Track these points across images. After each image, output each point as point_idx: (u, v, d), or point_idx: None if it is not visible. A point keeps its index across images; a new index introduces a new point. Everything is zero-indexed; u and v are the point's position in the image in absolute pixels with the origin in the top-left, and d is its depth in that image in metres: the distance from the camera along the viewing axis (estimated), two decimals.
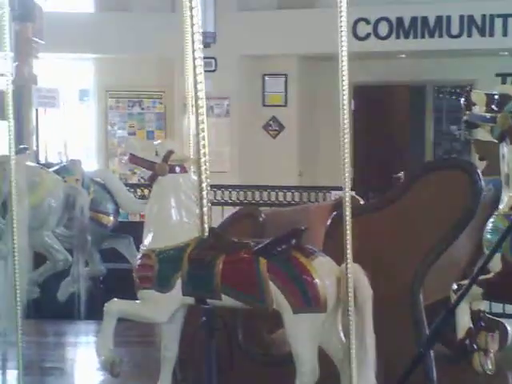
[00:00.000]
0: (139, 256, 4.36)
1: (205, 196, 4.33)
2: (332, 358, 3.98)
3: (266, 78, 12.97)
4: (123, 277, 5.50)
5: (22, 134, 8.77)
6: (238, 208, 5.94)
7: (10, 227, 4.77)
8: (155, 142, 4.65)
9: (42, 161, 9.22)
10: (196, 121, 4.31)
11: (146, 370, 5.09)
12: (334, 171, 9.49)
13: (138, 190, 8.94)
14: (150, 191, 4.58)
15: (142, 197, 8.45)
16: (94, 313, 5.92)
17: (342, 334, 3.96)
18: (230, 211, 6.29)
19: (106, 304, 4.30)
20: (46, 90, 10.37)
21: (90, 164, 12.12)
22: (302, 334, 3.89)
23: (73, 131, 13.57)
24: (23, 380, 4.55)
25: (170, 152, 4.41)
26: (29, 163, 6.30)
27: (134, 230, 6.59)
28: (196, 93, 4.29)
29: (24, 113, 9.38)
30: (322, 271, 3.92)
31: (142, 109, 13.25)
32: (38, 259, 5.70)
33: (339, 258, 3.95)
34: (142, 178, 9.36)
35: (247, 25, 12.30)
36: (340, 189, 4.10)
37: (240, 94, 12.62)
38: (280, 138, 12.97)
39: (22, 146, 6.84)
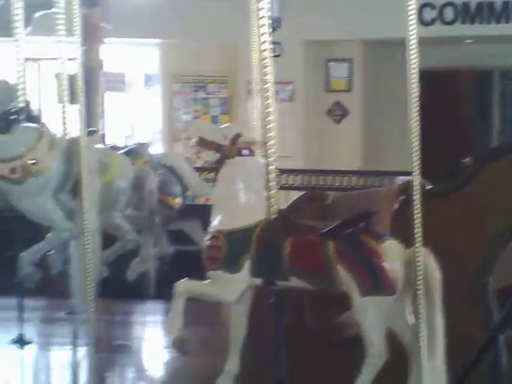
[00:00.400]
0: (208, 237, 4.42)
1: (272, 179, 4.38)
2: (401, 340, 4.00)
3: (330, 63, 12.94)
4: (190, 258, 5.58)
5: (91, 118, 8.91)
6: (302, 192, 5.95)
7: (81, 208, 4.88)
8: (223, 126, 4.71)
9: (109, 144, 9.34)
10: (263, 105, 4.35)
11: (214, 349, 5.16)
12: (399, 157, 9.42)
13: (203, 174, 9.02)
14: (215, 174, 4.63)
15: (207, 180, 8.52)
16: (162, 293, 6.03)
17: (410, 317, 3.98)
18: (294, 195, 6.32)
19: (175, 284, 4.37)
20: (112, 75, 10.51)
21: (156, 148, 12.25)
22: (371, 317, 3.92)
23: (139, 116, 13.75)
24: (93, 356, 4.66)
25: (238, 135, 4.46)
26: (98, 145, 6.41)
27: (200, 212, 6.66)
28: (263, 77, 4.33)
29: (92, 97, 9.51)
30: (391, 254, 3.94)
31: (207, 94, 13.34)
32: (108, 240, 5.81)
33: (406, 242, 3.97)
34: (206, 161, 9.42)
35: (311, 10, 12.27)
36: (405, 174, 4.10)
37: (304, 80, 12.62)
38: (344, 123, 12.95)
39: (91, 129, 6.93)
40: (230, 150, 4.45)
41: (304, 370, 4.57)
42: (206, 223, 5.18)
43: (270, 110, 4.35)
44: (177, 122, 13.45)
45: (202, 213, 6.33)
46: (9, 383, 5.12)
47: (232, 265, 4.23)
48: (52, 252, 5.78)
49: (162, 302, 6.35)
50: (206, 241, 4.42)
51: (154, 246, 6.27)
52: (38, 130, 5.53)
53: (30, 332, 5.88)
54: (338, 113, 12.94)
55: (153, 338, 6.16)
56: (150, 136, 13.26)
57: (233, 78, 12.86)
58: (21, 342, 5.77)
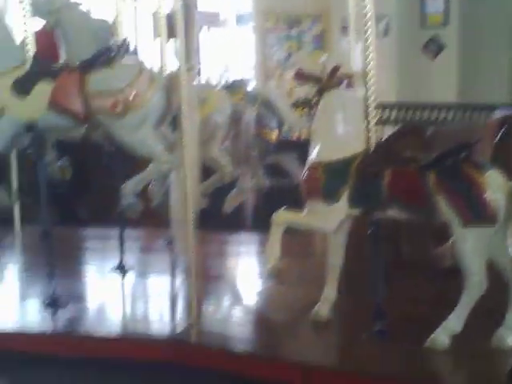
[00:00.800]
0: (306, 168, 4.46)
1: (371, 111, 4.38)
2: (501, 271, 3.99)
3: None
4: (285, 191, 5.65)
5: (187, 54, 8.97)
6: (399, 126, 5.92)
7: (180, 141, 4.97)
8: (322, 58, 4.70)
9: (205, 80, 9.42)
10: (362, 39, 4.33)
11: (310, 279, 5.24)
12: (496, 90, 9.18)
13: (297, 109, 9.01)
14: (312, 108, 4.65)
15: (301, 115, 8.56)
16: (258, 224, 6.12)
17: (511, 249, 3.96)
18: (390, 130, 6.29)
19: (274, 214, 4.43)
20: (207, 13, 10.53)
21: (251, 85, 12.26)
22: (471, 247, 3.91)
23: (233, 53, 13.75)
24: (190, 285, 4.78)
25: (337, 67, 4.45)
26: (196, 81, 6.49)
27: (296, 147, 6.70)
28: (361, 11, 4.31)
29: (187, 34, 9.56)
30: (493, 185, 3.90)
31: (300, 30, 13.23)
32: (206, 172, 5.89)
33: (508, 175, 3.93)
34: (299, 98, 9.39)
35: None
36: (504, 107, 4.03)
37: (399, 14, 12.38)
38: (439, 58, 12.69)
39: (188, 65, 7.00)
40: (329, 81, 4.46)
41: (401, 299, 4.61)
42: (301, 157, 5.23)
43: (369, 42, 4.33)
44: (270, 59, 13.42)
45: (298, 147, 6.38)
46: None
47: (331, 195, 4.27)
48: (152, 183, 5.92)
49: (257, 233, 6.45)
50: (304, 172, 4.46)
51: (251, 179, 6.36)
52: (137, 66, 5.61)
53: (130, 260, 6.05)
54: (434, 48, 12.68)
55: (248, 268, 6.24)
56: (244, 73, 13.28)
57: (326, 14, 12.70)
58: (121, 270, 5.95)
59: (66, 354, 4.69)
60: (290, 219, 4.43)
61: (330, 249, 4.52)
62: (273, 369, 4.21)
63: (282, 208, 4.45)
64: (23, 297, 5.60)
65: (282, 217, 4.42)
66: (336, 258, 4.50)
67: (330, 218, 4.31)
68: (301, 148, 6.16)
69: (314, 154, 4.45)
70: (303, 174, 4.48)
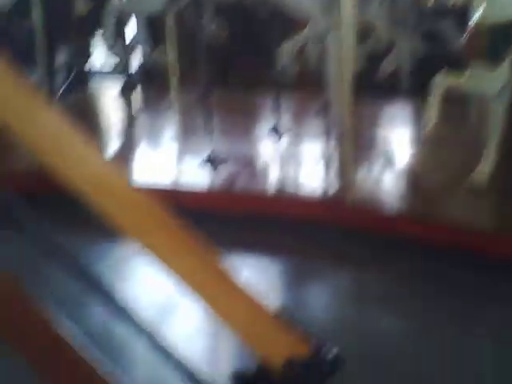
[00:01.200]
0: (469, 31, 4.33)
1: None
2: None
3: None
4: (442, 57, 5.52)
5: None
6: None
7: (338, 2, 4.89)
8: None
9: None
10: None
11: (467, 144, 5.15)
12: None
13: None
14: None
15: None
16: (413, 90, 6.03)
17: None
18: None
19: (434, 78, 4.35)
20: None
21: None
22: None
23: None
24: (345, 148, 4.79)
25: None
26: None
27: (452, 14, 6.48)
28: None
29: None
30: None
31: None
32: (363, 35, 5.78)
33: None
34: None
35: None
36: None
37: None
38: None
39: None
40: None
41: None
42: (458, 23, 5.04)
43: None
44: None
45: (454, 13, 6.18)
46: None
47: (493, 58, 4.15)
48: (309, 46, 5.88)
49: (412, 98, 6.31)
50: (467, 35, 4.34)
51: (407, 44, 6.23)
52: None
53: (285, 123, 6.06)
54: None
55: (404, 132, 6.12)
56: None
57: None
58: (276, 132, 5.97)
59: (222, 211, 4.82)
60: (451, 83, 4.35)
61: (490, 114, 4.43)
62: (427, 231, 4.22)
63: (442, 72, 4.37)
64: (181, 156, 5.77)
65: (443, 81, 4.35)
66: (496, 124, 4.41)
67: (492, 83, 4.21)
68: (457, 14, 5.96)
69: (476, 17, 4.31)
70: (465, 36, 4.36)
